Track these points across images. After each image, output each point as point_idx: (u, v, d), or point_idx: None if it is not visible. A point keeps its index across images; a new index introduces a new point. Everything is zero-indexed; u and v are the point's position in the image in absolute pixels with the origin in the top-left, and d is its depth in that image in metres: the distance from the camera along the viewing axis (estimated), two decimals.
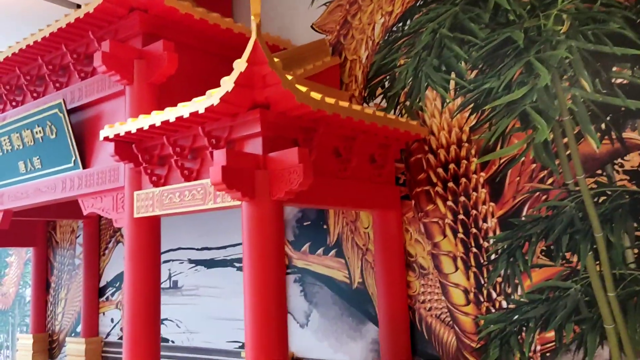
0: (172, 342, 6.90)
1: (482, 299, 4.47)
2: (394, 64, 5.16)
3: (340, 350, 5.29)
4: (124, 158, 4.56)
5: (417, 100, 4.97)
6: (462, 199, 4.64)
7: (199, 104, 3.79)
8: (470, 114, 4.66)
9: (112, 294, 7.78)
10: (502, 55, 4.49)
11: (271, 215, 3.84)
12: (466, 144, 4.67)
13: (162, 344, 6.81)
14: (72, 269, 8.47)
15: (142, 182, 4.72)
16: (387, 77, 5.19)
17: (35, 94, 5.94)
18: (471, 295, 4.54)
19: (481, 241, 4.52)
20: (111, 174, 4.99)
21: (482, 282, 4.48)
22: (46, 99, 5.73)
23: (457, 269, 4.64)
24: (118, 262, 7.75)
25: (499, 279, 4.39)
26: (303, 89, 3.73)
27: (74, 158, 5.32)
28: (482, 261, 4.50)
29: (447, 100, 4.80)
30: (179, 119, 3.94)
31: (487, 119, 4.55)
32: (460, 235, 4.63)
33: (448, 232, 4.71)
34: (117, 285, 7.73)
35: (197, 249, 6.75)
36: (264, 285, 3.80)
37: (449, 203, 4.72)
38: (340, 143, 4.41)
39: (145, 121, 4.16)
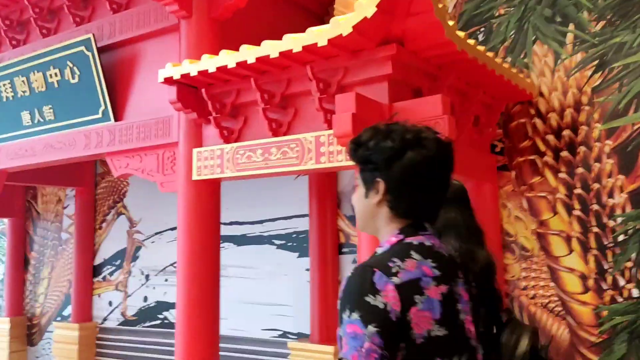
0: None
1: (605, 287, 3.87)
2: (490, 14, 4.45)
3: None
4: (187, 106, 3.67)
5: (522, 57, 4.29)
6: (580, 170, 4.01)
7: (317, 35, 2.97)
8: (594, 73, 4.01)
9: (111, 273, 6.80)
10: (639, 3, 3.86)
11: None
12: (587, 107, 4.03)
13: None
14: (58, 244, 7.40)
15: (203, 138, 3.86)
16: (482, 30, 4.48)
17: (44, 31, 4.90)
18: (590, 282, 3.93)
19: (605, 219, 3.90)
20: (157, 128, 4.08)
21: (606, 266, 3.88)
22: (62, 36, 4.71)
23: (571, 251, 4.01)
24: (119, 236, 6.76)
25: (629, 264, 3.80)
26: (451, 22, 2.97)
27: (102, 108, 4.37)
28: (606, 243, 3.89)
29: (563, 57, 4.14)
30: (286, 55, 3.11)
31: (616, 79, 3.92)
32: (577, 212, 4.00)
33: (560, 208, 4.07)
34: (117, 263, 6.75)
35: (224, 224, 5.87)
36: None
37: (562, 175, 4.08)
38: (454, 98, 3.67)
39: (230, 58, 3.29)
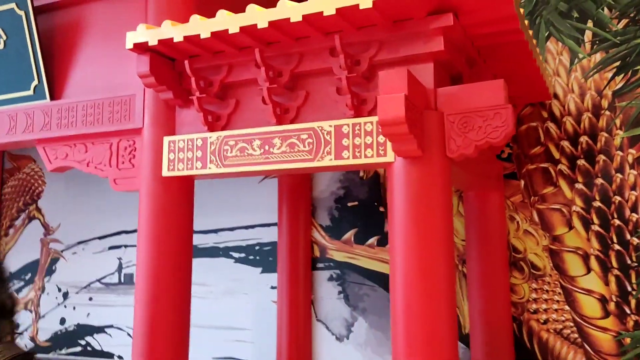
0: (120, 357, 5.08)
1: (628, 311, 3.49)
2: None
3: None
4: (162, 82, 2.88)
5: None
6: (600, 181, 3.63)
7: None
8: (615, 75, 3.66)
9: (19, 290, 5.66)
10: None
11: (441, 182, 2.49)
12: (607, 112, 3.66)
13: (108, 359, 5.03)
14: None
15: (177, 124, 3.07)
16: None
17: None
18: (611, 306, 3.53)
19: (627, 236, 3.54)
20: (113, 110, 3.22)
21: (629, 288, 3.50)
22: None
23: (589, 270, 3.61)
24: (30, 246, 5.64)
25: None
26: None
27: (35, 83, 3.44)
28: (629, 262, 3.52)
29: (581, 56, 3.76)
30: (312, 20, 2.43)
31: None
32: (596, 227, 3.61)
33: (577, 222, 3.66)
34: (27, 278, 5.63)
35: None
36: (431, 278, 2.43)
37: (579, 186, 3.68)
38: None
39: (231, 21, 2.56)
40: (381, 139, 2.53)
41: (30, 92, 3.44)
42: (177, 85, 2.94)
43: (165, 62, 2.90)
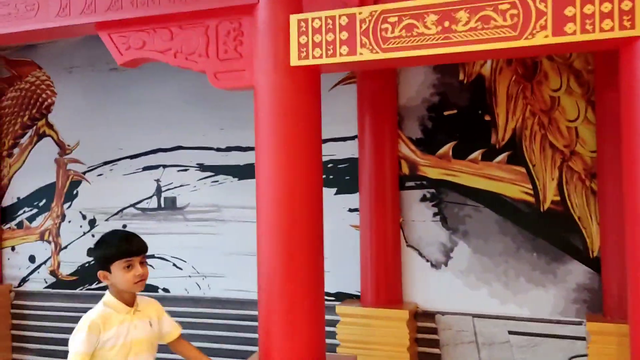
0: (166, 290, 4.49)
1: None
2: None
3: (512, 300, 3.58)
4: None
5: None
6: None
7: None
8: None
9: (32, 219, 4.91)
10: None
11: None
12: None
13: (148, 293, 4.43)
14: None
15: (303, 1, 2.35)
16: None
17: None
18: None
19: None
20: None
21: None
22: None
23: None
24: (42, 167, 4.84)
25: None
26: None
27: None
28: None
29: None
30: None
31: None
32: None
33: None
34: (40, 204, 4.87)
35: (218, 149, 4.32)
36: None
37: None
38: None
39: None
40: (627, 4, 1.90)
41: None
42: None
43: None
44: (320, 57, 2.27)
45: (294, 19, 2.30)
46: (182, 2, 2.51)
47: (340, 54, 2.24)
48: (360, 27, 2.22)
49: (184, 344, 2.45)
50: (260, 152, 2.43)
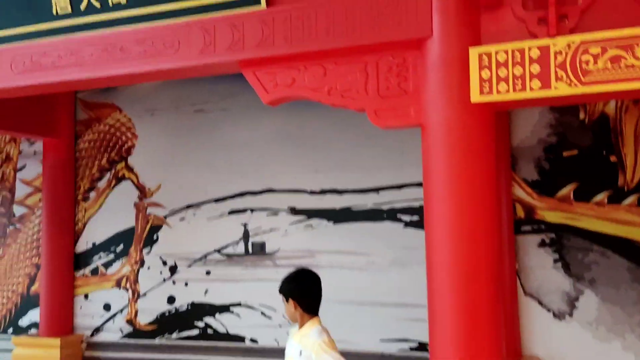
0: (254, 341, 4.24)
1: None
2: None
3: None
4: None
5: None
6: None
7: None
8: None
9: (107, 265, 4.72)
10: None
11: None
12: None
13: (235, 343, 4.21)
14: (7, 222, 5.09)
15: (482, 32, 2.22)
16: None
17: None
18: None
19: None
20: (372, 15, 2.35)
21: None
22: None
23: None
24: (120, 212, 4.68)
25: None
26: None
27: None
28: None
29: None
30: None
31: None
32: None
33: None
34: (117, 250, 4.69)
35: (311, 192, 4.15)
36: None
37: None
38: None
39: None
40: None
41: None
42: None
43: None
44: (507, 92, 2.12)
45: (474, 52, 2.16)
46: (342, 37, 2.38)
47: (531, 89, 2.09)
48: (556, 59, 2.07)
49: None
50: (431, 192, 2.25)
